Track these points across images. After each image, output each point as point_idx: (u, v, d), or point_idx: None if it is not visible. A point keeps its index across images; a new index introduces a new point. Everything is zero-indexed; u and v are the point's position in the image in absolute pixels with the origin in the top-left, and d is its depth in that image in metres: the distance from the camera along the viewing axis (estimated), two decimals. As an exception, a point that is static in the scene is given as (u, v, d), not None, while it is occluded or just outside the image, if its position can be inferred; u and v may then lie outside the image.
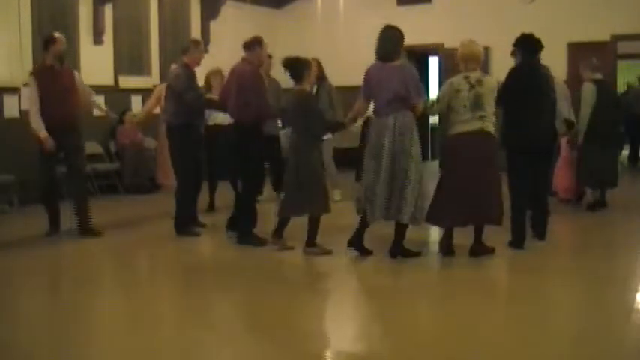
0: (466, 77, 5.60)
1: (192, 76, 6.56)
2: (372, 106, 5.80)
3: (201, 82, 7.08)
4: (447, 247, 5.73)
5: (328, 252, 5.80)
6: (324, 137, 8.73)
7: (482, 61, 5.81)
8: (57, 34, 6.56)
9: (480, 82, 5.57)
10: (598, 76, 7.75)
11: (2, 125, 8.37)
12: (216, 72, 7.60)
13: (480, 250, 5.70)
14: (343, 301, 4.82)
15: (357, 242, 5.72)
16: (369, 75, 5.61)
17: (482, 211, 5.59)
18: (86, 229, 6.61)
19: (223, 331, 4.22)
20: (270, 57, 8.61)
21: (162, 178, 9.03)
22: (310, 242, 5.81)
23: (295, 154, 5.80)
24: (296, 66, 5.78)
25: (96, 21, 9.47)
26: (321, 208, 5.74)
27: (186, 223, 6.67)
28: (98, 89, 9.45)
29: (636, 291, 4.79)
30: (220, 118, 7.42)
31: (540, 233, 6.14)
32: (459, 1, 11.63)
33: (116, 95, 9.70)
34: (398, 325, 4.21)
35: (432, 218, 5.73)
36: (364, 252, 5.73)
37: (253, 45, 6.22)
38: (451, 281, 5.28)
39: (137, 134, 9.63)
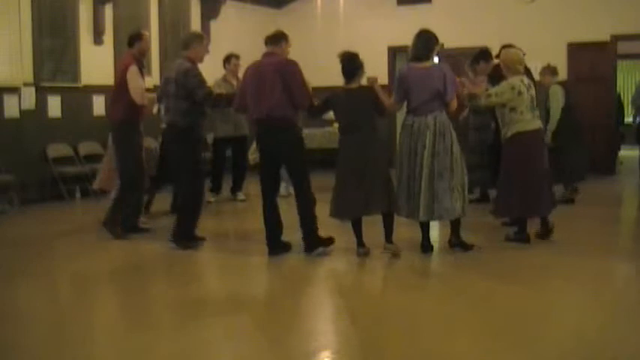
0: (522, 80, 5.96)
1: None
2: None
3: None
4: (527, 237, 6.09)
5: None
6: None
7: (524, 65, 6.13)
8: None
9: (530, 85, 6.01)
10: (558, 79, 8.14)
11: (2, 125, 8.38)
12: None
13: (546, 233, 6.17)
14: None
15: (426, 245, 5.80)
16: (402, 77, 5.70)
17: (547, 200, 6.08)
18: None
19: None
20: (237, 57, 8.63)
21: (103, 183, 7.35)
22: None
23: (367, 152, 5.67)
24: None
25: (96, 21, 9.49)
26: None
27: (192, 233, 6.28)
28: (98, 89, 9.49)
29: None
30: None
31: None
32: (459, 1, 11.64)
33: (116, 95, 9.71)
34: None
35: (500, 211, 6.19)
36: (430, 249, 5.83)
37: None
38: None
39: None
